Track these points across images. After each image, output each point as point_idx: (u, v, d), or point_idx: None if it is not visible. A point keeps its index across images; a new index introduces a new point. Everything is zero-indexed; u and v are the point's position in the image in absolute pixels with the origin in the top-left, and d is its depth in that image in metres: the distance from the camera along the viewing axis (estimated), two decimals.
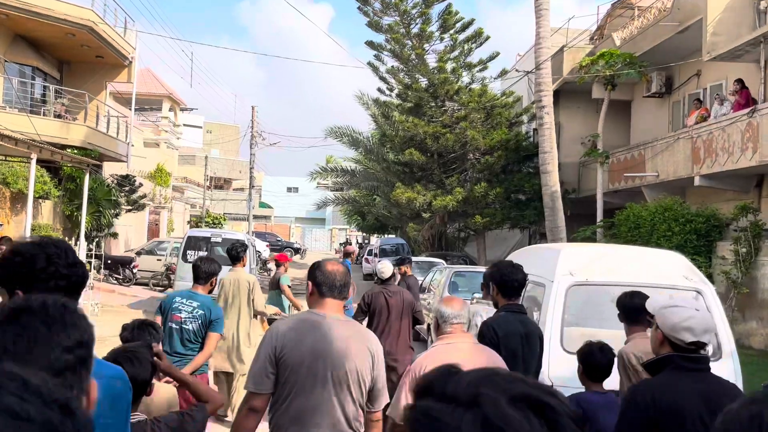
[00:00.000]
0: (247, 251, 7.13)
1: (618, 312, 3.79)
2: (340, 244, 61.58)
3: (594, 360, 3.55)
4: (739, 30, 14.50)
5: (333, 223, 69.86)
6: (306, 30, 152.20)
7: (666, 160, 15.99)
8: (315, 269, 2.90)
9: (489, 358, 3.08)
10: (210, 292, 4.92)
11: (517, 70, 23.29)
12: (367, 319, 6.33)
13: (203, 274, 4.78)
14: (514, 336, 3.70)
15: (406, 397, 2.94)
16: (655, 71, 17.78)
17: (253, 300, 6.55)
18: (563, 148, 21.32)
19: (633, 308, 3.65)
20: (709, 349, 3.07)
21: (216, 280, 4.93)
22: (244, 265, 6.77)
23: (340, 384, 2.61)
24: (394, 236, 34.58)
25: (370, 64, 21.64)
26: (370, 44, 21.29)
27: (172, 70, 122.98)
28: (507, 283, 3.83)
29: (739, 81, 13.93)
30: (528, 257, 5.96)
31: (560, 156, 21.65)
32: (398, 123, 19.51)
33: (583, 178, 21.05)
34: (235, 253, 6.60)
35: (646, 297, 3.34)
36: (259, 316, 7.10)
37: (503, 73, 21.31)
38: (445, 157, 19.96)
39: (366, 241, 58.01)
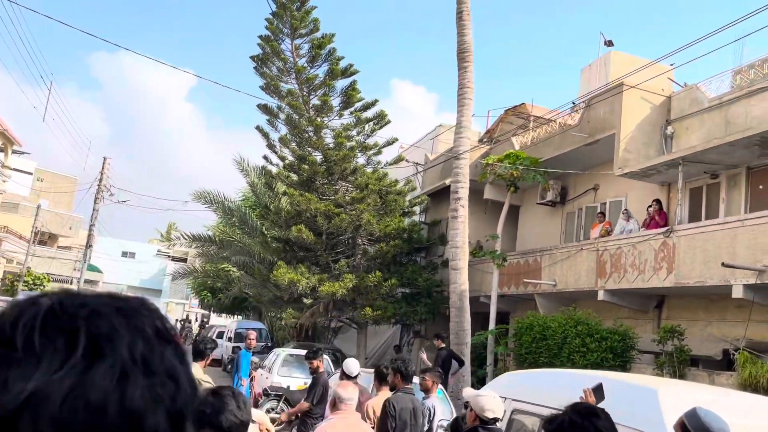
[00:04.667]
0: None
1: None
2: (177, 320, 56.14)
3: None
4: (647, 150, 14.83)
5: (170, 296, 64.05)
6: (165, 95, 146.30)
7: (566, 269, 15.60)
8: None
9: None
10: None
11: (407, 160, 22.70)
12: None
13: None
14: (406, 410, 5.47)
15: None
16: (552, 180, 17.84)
17: None
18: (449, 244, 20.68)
19: None
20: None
21: None
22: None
23: None
24: (249, 320, 31.61)
25: (259, 128, 19.79)
26: (264, 108, 19.54)
27: (9, 105, 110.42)
28: (405, 373, 5.83)
29: (657, 201, 13.99)
30: (561, 384, 4.37)
31: (445, 253, 21.01)
32: (289, 196, 17.59)
33: (470, 280, 20.40)
34: (202, 347, 5.65)
35: None
36: None
37: (399, 159, 20.45)
38: (333, 239, 18.26)
39: (205, 321, 53.33)
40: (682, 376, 10.90)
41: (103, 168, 31.35)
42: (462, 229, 13.75)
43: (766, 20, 18.99)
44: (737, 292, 10.72)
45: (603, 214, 16.00)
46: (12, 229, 36.88)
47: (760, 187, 12.67)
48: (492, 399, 4.11)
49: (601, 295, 14.20)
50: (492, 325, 16.89)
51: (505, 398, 5.01)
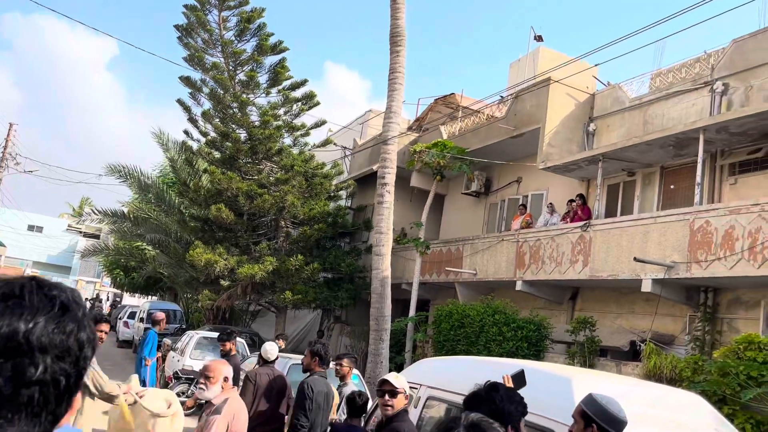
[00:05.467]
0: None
1: None
2: (87, 299, 53.59)
3: None
4: (569, 146, 15.17)
5: (80, 273, 61.03)
6: (83, 61, 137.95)
7: (487, 259, 15.80)
8: None
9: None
10: None
11: (335, 144, 22.38)
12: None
13: None
14: (320, 393, 5.52)
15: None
16: (477, 170, 18.02)
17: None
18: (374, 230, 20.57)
19: None
20: None
21: None
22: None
23: None
24: (164, 301, 30.47)
25: (180, 101, 18.91)
26: (186, 80, 18.67)
27: None
28: (324, 357, 5.79)
29: (581, 196, 14.31)
30: (477, 371, 4.28)
31: (369, 239, 20.88)
32: (211, 174, 16.89)
33: (393, 266, 20.39)
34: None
35: None
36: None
37: (327, 142, 20.09)
38: (255, 221, 17.73)
39: (117, 300, 51.18)
40: (591, 366, 11.23)
41: (9, 134, 29.30)
42: (387, 215, 13.62)
43: (685, 23, 19.83)
44: (646, 287, 11.11)
45: (524, 206, 16.29)
46: None
47: (672, 186, 13.20)
48: None
49: (519, 286, 14.46)
50: (412, 312, 16.93)
51: (420, 385, 4.88)
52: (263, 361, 6.58)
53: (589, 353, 11.17)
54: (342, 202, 20.61)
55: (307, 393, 5.33)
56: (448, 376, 4.93)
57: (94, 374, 5.31)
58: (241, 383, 6.64)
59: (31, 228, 61.03)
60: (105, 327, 5.70)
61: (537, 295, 14.66)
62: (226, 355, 7.29)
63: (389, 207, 13.73)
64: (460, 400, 4.42)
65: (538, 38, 17.51)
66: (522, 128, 15.68)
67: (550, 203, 14.88)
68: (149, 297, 37.22)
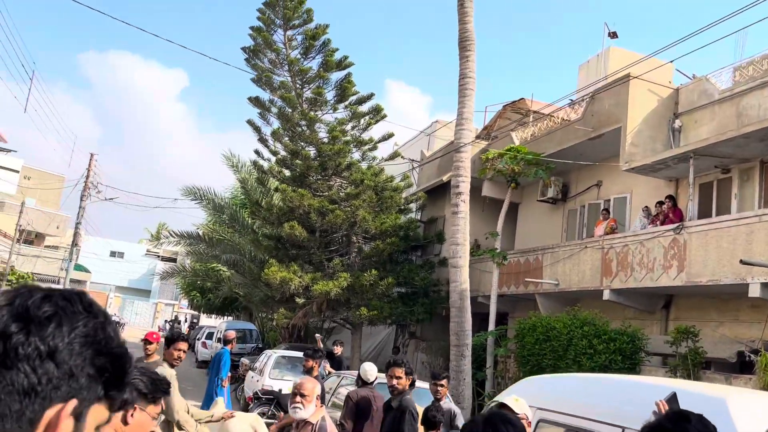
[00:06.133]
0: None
1: None
2: (166, 321, 55.25)
3: None
4: (654, 144, 14.29)
5: (159, 296, 63.12)
6: (156, 94, 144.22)
7: (569, 268, 15.04)
8: None
9: None
10: None
11: (402, 157, 22.08)
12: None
13: None
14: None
15: None
16: (552, 176, 17.28)
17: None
18: (446, 243, 20.09)
19: None
20: None
21: None
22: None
23: None
24: (239, 321, 30.89)
25: (250, 122, 19.11)
26: (255, 101, 18.86)
27: None
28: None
29: (671, 197, 13.43)
30: (597, 390, 3.77)
31: (442, 251, 20.41)
32: (282, 192, 16.89)
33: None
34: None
35: None
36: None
37: (395, 155, 19.83)
38: (327, 237, 17.60)
39: (195, 321, 52.46)
40: (697, 379, 10.34)
41: (90, 164, 30.57)
42: (463, 226, 13.15)
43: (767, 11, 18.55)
44: (754, 291, 10.17)
45: (608, 210, 15.45)
46: None
47: None
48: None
49: (606, 295, 13.64)
50: (491, 326, 16.30)
51: (531, 406, 4.41)
52: (362, 382, 6.37)
53: (693, 366, 10.29)
54: (412, 215, 20.25)
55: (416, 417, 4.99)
56: (564, 397, 4.44)
57: (167, 402, 5.13)
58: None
59: (113, 254, 63.71)
60: (183, 346, 5.51)
61: (626, 304, 13.78)
62: (308, 372, 7.00)
63: (465, 217, 13.25)
64: (579, 423, 3.90)
65: (613, 35, 16.73)
66: (601, 129, 14.91)
67: (646, 206, 13.97)
68: (225, 317, 37.89)
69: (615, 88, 14.66)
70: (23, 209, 35.27)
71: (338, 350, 13.52)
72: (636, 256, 12.93)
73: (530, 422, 3.57)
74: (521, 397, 4.44)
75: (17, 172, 53.14)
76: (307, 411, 3.96)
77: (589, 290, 14.29)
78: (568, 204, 17.87)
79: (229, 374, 10.20)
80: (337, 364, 12.66)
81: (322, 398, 6.55)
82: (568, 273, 15.02)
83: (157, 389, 2.55)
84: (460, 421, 6.16)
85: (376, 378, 6.45)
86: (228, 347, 10.06)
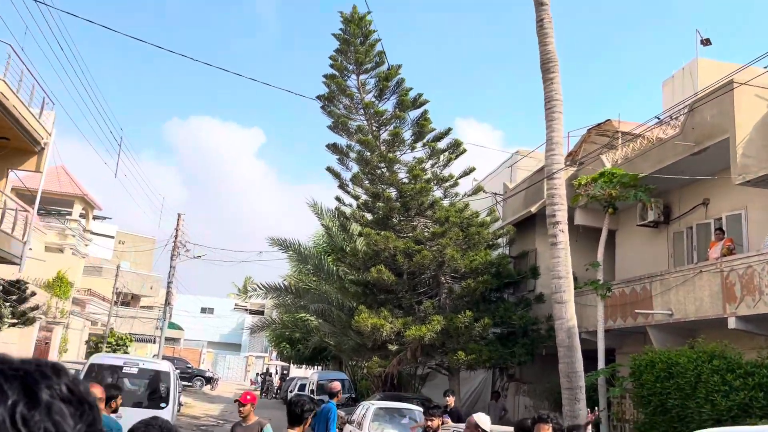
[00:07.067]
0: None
1: None
2: (257, 374, 55.71)
3: None
4: (767, 152, 12.99)
5: (249, 349, 63.99)
6: (234, 153, 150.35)
7: (683, 296, 13.71)
8: None
9: None
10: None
11: (484, 191, 21.33)
12: None
13: None
14: None
15: None
16: (652, 198, 16.07)
17: None
18: (541, 278, 19.04)
19: None
20: None
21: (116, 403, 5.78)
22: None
23: None
24: (330, 370, 30.50)
25: (330, 169, 19.02)
26: (333, 147, 18.80)
27: (89, 170, 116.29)
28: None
29: None
30: None
31: (537, 287, 19.34)
32: (366, 236, 16.52)
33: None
34: (299, 411, 4.84)
35: None
36: None
37: (478, 189, 19.14)
38: (414, 279, 17.00)
39: (285, 373, 52.58)
40: None
41: (178, 224, 31.51)
42: (564, 257, 12.24)
43: None
44: None
45: (721, 230, 14.09)
46: (96, 291, 37.57)
47: None
48: None
49: (732, 323, 12.25)
50: (601, 364, 15.06)
51: None
52: None
53: None
54: (501, 251, 19.38)
55: None
56: None
57: None
58: None
59: (203, 310, 65.46)
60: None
61: (756, 332, 12.33)
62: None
63: (565, 248, 12.35)
64: None
65: (706, 42, 15.62)
66: (704, 142, 13.73)
67: None
68: (315, 367, 37.66)
69: (717, 97, 13.52)
70: (119, 272, 36.70)
71: (451, 401, 12.62)
72: (764, 277, 11.58)
73: None
74: None
75: (112, 237, 55.94)
76: None
77: (710, 319, 12.93)
78: (672, 226, 16.54)
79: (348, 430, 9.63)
80: (456, 417, 11.77)
81: None
82: (683, 301, 13.70)
83: None
84: None
85: (491, 429, 5.77)
86: (334, 400, 9.48)
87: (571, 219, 17.90)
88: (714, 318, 12.74)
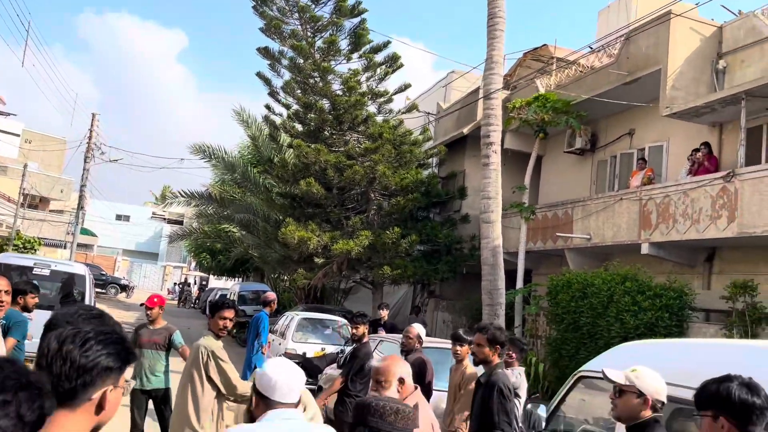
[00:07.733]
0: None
1: None
2: (175, 283, 54.97)
3: None
4: (697, 87, 13.33)
5: (167, 259, 62.81)
6: (155, 55, 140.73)
7: (602, 222, 14.28)
8: None
9: None
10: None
11: (418, 110, 21.07)
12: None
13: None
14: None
15: None
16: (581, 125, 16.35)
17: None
18: (467, 199, 19.29)
19: None
20: None
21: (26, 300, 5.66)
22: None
23: None
24: (251, 282, 30.38)
25: (260, 75, 18.12)
26: (264, 51, 17.83)
27: None
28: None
29: (706, 144, 12.57)
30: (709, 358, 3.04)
31: (463, 207, 19.63)
32: (296, 148, 16.02)
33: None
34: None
35: None
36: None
37: (413, 107, 18.86)
38: (344, 194, 16.82)
39: (205, 284, 52.09)
40: (755, 337, 9.68)
41: (92, 125, 29.65)
42: (495, 178, 12.34)
43: None
44: None
45: (644, 160, 14.57)
46: (0, 192, 35.30)
47: None
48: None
49: (645, 249, 12.90)
50: (519, 284, 15.65)
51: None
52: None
53: (752, 323, 9.60)
54: (431, 170, 19.41)
55: (508, 395, 4.02)
56: (668, 366, 3.72)
57: (219, 369, 4.49)
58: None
59: (119, 217, 63.16)
60: (230, 314, 4.79)
61: (666, 258, 13.06)
62: (358, 340, 6.30)
63: (497, 169, 12.43)
64: (689, 395, 3.22)
65: None
66: (637, 72, 13.91)
67: (693, 152, 13.07)
68: (236, 279, 37.45)
69: (653, 27, 13.62)
70: (26, 173, 34.50)
71: (384, 314, 12.75)
72: (679, 207, 12.15)
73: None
74: (614, 366, 3.71)
75: (18, 135, 52.23)
76: None
77: (625, 244, 13.57)
78: (597, 155, 16.98)
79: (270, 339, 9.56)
80: (389, 329, 11.89)
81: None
82: (601, 227, 14.27)
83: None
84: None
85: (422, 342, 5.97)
86: (267, 310, 9.35)
87: (501, 143, 18.08)
88: (629, 243, 13.36)
